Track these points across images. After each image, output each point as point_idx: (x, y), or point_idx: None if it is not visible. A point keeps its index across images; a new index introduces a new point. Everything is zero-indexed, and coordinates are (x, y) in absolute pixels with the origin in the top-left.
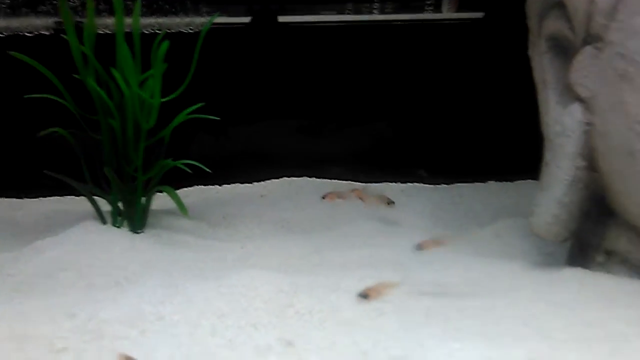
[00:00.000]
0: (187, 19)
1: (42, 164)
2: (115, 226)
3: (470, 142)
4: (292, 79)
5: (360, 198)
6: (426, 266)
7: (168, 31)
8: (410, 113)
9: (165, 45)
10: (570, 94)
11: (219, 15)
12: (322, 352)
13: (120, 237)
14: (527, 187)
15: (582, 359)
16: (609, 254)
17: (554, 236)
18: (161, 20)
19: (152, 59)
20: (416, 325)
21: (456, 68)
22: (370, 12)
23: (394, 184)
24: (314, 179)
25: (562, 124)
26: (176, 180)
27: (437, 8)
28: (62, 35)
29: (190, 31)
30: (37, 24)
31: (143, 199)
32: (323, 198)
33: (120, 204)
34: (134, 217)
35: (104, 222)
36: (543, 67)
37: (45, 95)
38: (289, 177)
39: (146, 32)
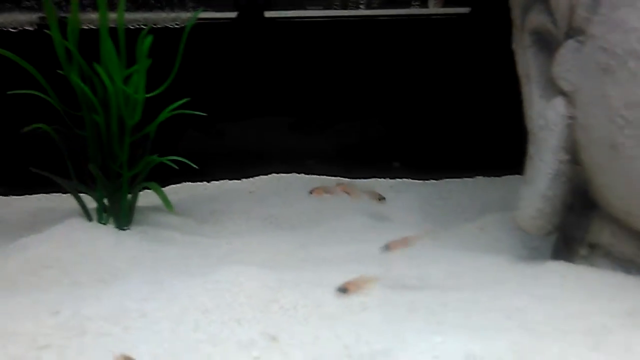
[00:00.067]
0: (173, 14)
1: (28, 161)
2: (101, 223)
3: (458, 137)
4: (279, 75)
5: (347, 192)
6: (412, 261)
7: (154, 26)
8: (398, 109)
9: (149, 40)
10: (553, 88)
11: (205, 11)
12: (305, 347)
13: (105, 234)
14: (514, 182)
15: (565, 351)
16: (592, 247)
17: (538, 230)
18: (147, 15)
19: (137, 54)
20: (399, 319)
21: (443, 63)
22: (357, 7)
23: (382, 179)
24: (303, 175)
25: (546, 118)
26: (165, 177)
27: (424, 3)
28: (45, 30)
29: (177, 26)
30: (21, 19)
31: (129, 196)
32: (310, 193)
33: (105, 201)
34: (120, 214)
35: (89, 219)
36: (527, 61)
37: (28, 92)
38: (277, 173)
39: (131, 27)
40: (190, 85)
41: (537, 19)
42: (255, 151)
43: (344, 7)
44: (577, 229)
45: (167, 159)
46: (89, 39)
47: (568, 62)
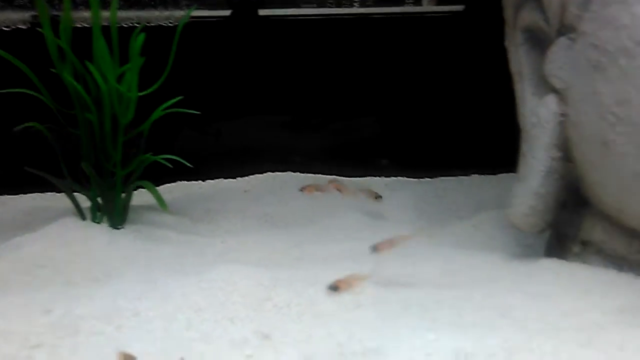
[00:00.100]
0: (166, 13)
1: (23, 160)
2: (94, 222)
3: (453, 135)
4: (274, 73)
5: (339, 190)
6: (406, 259)
7: (147, 25)
8: (393, 107)
9: (141, 37)
10: (545, 86)
11: (200, 9)
12: (299, 345)
13: (99, 233)
14: (509, 180)
15: (557, 348)
16: (585, 244)
17: (530, 227)
18: (140, 13)
19: (130, 53)
20: (393, 317)
21: (438, 61)
22: (351, 5)
23: (377, 178)
24: (298, 173)
25: (538, 115)
26: (160, 176)
27: (417, 1)
28: (38, 29)
29: (170, 25)
30: (14, 17)
31: (123, 195)
32: (301, 190)
33: (99, 200)
34: (114, 213)
35: (83, 218)
36: (519, 58)
37: (21, 90)
38: (273, 172)
39: (125, 25)
40: (184, 84)
41: (529, 16)
42: (250, 150)
43: (338, 5)
44: (570, 227)
45: (161, 158)
46: (83, 38)
47: (560, 59)
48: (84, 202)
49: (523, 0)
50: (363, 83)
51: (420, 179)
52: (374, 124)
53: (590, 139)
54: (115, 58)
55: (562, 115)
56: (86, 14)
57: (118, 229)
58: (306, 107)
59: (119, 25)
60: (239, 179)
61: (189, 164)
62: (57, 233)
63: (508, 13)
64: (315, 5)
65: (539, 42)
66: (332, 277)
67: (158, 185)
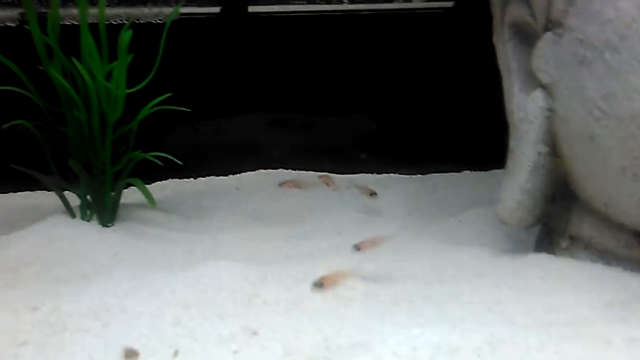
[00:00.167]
0: (155, 10)
1: (12, 158)
2: (84, 220)
3: (444, 132)
4: (265, 70)
5: (327, 184)
6: (396, 255)
7: (136, 22)
8: (385, 104)
9: (128, 34)
10: (533, 81)
11: (189, 6)
12: (286, 340)
13: (88, 231)
14: (501, 176)
15: (544, 342)
16: (573, 239)
17: (518, 222)
18: (129, 10)
19: (118, 49)
20: (381, 313)
21: (429, 58)
22: (341, 2)
23: (370, 174)
24: (290, 170)
25: (525, 111)
26: (152, 174)
27: None
28: (26, 26)
29: (160, 22)
30: (2, 15)
31: (113, 192)
32: (280, 186)
33: (89, 197)
34: (103, 211)
35: (72, 216)
36: (507, 54)
37: (9, 88)
38: (265, 169)
39: (114, 22)
40: (175, 81)
41: (516, 12)
42: (243, 147)
43: (328, 2)
44: (559, 221)
45: (151, 155)
46: (72, 35)
47: (546, 54)
48: (75, 200)
49: None
50: (354, 80)
51: (412, 176)
52: (366, 121)
53: (576, 134)
54: (105, 55)
55: (549, 110)
56: (75, 11)
57: (108, 226)
58: (298, 104)
59: (107, 22)
60: (230, 176)
61: (179, 162)
62: (46, 231)
63: (495, 9)
64: (304, 2)
65: (526, 38)
66: (322, 273)
67: (150, 183)
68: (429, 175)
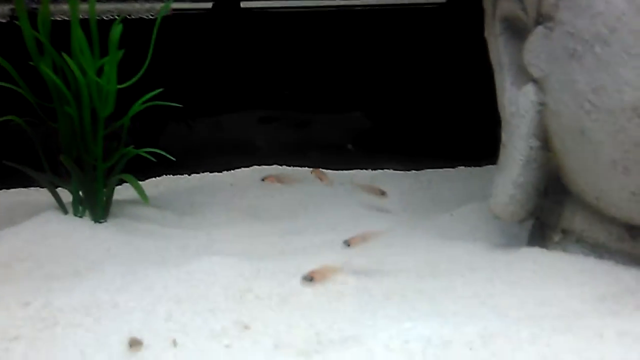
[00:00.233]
0: (147, 5)
1: (4, 155)
2: (76, 216)
3: (439, 128)
4: (257, 66)
5: (320, 178)
6: (389, 249)
7: (128, 17)
8: (379, 100)
9: (118, 29)
10: (524, 75)
11: (181, 1)
12: (278, 335)
13: (81, 227)
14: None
15: (536, 335)
16: (565, 232)
17: (511, 216)
18: (120, 6)
19: (109, 45)
20: (374, 307)
21: (423, 53)
22: None
23: (364, 170)
24: (285, 167)
25: (517, 105)
26: (146, 171)
27: None
28: (17, 22)
29: (151, 17)
30: None
31: (105, 189)
32: (263, 180)
33: (81, 193)
34: (96, 207)
35: (65, 212)
36: (498, 48)
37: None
38: (259, 165)
39: (105, 18)
40: (168, 78)
41: (507, 6)
42: (238, 143)
43: None
44: (551, 215)
45: (143, 151)
46: (63, 31)
47: (538, 48)
48: (68, 196)
49: None
50: (348, 76)
51: (407, 172)
52: (360, 117)
53: (568, 128)
54: (96, 51)
55: (541, 104)
56: (65, 6)
57: (100, 222)
58: (292, 100)
59: (99, 18)
60: (225, 172)
61: (171, 157)
62: (39, 227)
63: (487, 3)
64: None
65: (518, 32)
66: (315, 268)
67: (144, 180)
68: (423, 171)
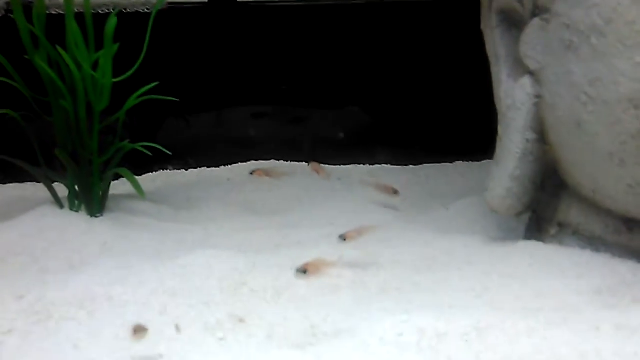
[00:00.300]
0: None
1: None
2: (72, 210)
3: (436, 122)
4: (253, 61)
5: (316, 171)
6: (386, 243)
7: (123, 11)
8: (377, 94)
9: (113, 22)
10: (521, 68)
11: None
12: (272, 327)
13: (77, 221)
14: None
15: (532, 328)
16: (561, 225)
17: (507, 209)
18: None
19: (104, 38)
20: (369, 300)
21: (421, 48)
22: None
23: (361, 165)
24: (282, 162)
25: (513, 97)
26: (143, 165)
27: None
28: (12, 15)
29: (147, 11)
30: None
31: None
32: (251, 174)
33: (77, 188)
34: (92, 201)
35: (61, 206)
36: (495, 41)
37: None
38: (256, 160)
39: (101, 12)
40: (164, 72)
41: None
42: (236, 138)
43: None
44: (548, 209)
45: (139, 145)
46: (59, 24)
47: (534, 40)
48: (63, 191)
49: None
50: (346, 71)
51: (404, 166)
52: (358, 112)
53: (564, 120)
54: (91, 45)
55: (537, 96)
56: (60, 0)
57: (96, 217)
58: (289, 95)
59: (94, 11)
60: (222, 167)
61: (168, 152)
62: (34, 221)
63: None
64: None
65: (514, 24)
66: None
67: (141, 175)
68: (420, 165)
